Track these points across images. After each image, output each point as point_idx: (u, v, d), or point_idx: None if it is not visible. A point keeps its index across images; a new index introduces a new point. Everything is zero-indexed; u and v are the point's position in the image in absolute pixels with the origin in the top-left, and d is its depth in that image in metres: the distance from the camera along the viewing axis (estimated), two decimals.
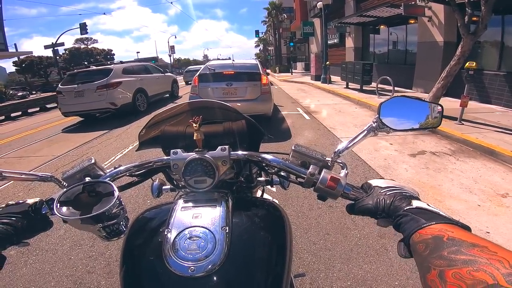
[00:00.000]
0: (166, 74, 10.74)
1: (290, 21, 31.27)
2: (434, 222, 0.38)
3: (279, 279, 0.52)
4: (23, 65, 36.36)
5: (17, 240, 0.49)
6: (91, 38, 51.16)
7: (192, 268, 0.46)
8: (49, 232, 2.47)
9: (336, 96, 9.46)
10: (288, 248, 0.58)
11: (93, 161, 0.60)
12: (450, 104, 6.14)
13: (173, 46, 50.69)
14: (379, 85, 8.34)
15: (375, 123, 0.58)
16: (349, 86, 10.51)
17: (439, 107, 0.59)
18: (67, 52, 42.87)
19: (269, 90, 5.26)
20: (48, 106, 11.79)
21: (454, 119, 5.07)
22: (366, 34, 13.46)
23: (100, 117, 7.77)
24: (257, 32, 38.97)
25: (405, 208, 0.43)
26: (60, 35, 19.13)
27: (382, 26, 11.49)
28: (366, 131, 0.59)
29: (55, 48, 19.26)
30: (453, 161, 3.59)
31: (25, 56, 34.18)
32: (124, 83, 7.32)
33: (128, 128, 6.19)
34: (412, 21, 9.23)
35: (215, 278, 0.47)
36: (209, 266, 0.47)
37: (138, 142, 0.86)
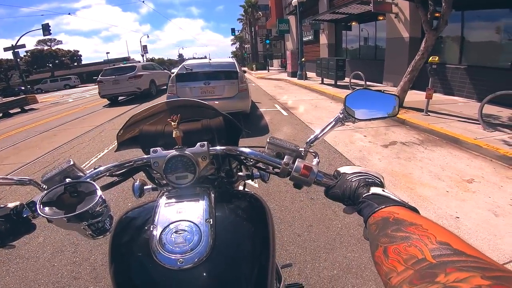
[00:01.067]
0: (164, 70, 14.53)
1: (266, 18, 31.40)
2: (384, 206, 0.42)
3: (265, 266, 0.55)
4: None
5: (2, 243, 0.50)
6: (55, 39, 49.12)
7: (180, 260, 0.48)
8: (27, 239, 2.20)
9: (312, 92, 9.69)
10: (271, 237, 0.59)
11: (71, 162, 0.60)
12: (416, 96, 6.51)
13: (146, 45, 48.93)
14: (352, 80, 8.66)
15: (342, 114, 0.63)
16: (324, 82, 10.81)
17: (396, 98, 0.65)
18: (28, 54, 40.07)
19: (247, 88, 5.38)
20: (11, 111, 11.05)
21: (421, 110, 5.38)
22: (338, 30, 13.85)
23: (120, 101, 10.86)
24: (233, 30, 38.67)
25: (364, 195, 0.47)
26: (21, 37, 17.93)
27: (353, 23, 11.90)
28: (334, 122, 0.64)
29: (15, 50, 17.91)
30: (421, 150, 3.82)
31: None
32: (144, 75, 10.97)
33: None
34: (381, 18, 9.61)
35: (202, 269, 0.48)
36: (197, 258, 0.48)
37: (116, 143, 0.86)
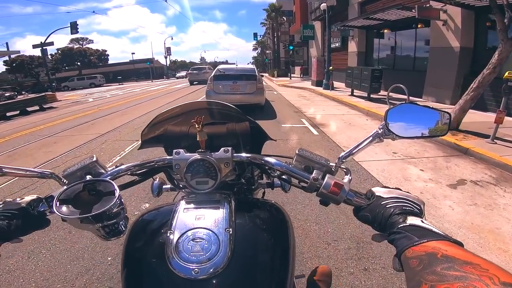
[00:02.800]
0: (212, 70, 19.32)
1: (289, 24, 30.93)
2: (426, 240, 0.39)
3: (283, 282, 0.52)
4: (13, 64, 35.34)
5: (10, 237, 0.48)
6: (87, 38, 50.96)
7: (196, 270, 0.46)
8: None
9: (341, 105, 8.73)
10: (291, 250, 0.57)
11: (94, 158, 0.60)
12: (474, 117, 5.48)
13: (169, 47, 49.74)
14: (386, 93, 7.68)
15: (381, 130, 0.57)
16: (354, 94, 9.83)
17: (447, 115, 0.58)
18: (59, 52, 41.79)
19: (263, 87, 7.44)
20: (29, 109, 10.91)
21: (484, 136, 4.39)
22: (370, 38, 12.88)
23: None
24: (255, 35, 38.40)
25: (399, 226, 0.44)
26: (50, 34, 18.18)
27: (386, 30, 10.91)
28: (371, 137, 0.58)
29: (44, 47, 18.29)
30: (501, 194, 2.88)
31: (16, 55, 33.32)
32: (207, 72, 19.30)
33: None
34: (421, 26, 8.63)
35: (218, 280, 0.46)
36: (213, 269, 0.46)
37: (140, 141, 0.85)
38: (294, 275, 0.62)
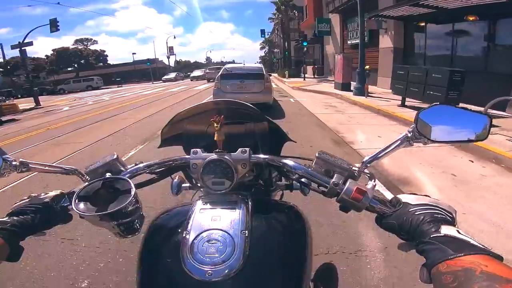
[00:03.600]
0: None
1: (298, 22, 28.69)
2: (463, 254, 0.35)
3: (298, 286, 0.52)
4: (8, 67, 33.71)
5: (34, 230, 0.50)
6: (91, 39, 50.55)
7: (209, 272, 0.46)
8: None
9: (400, 125, 5.77)
10: (308, 255, 0.57)
11: (115, 156, 0.62)
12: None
13: (172, 47, 48.00)
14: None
15: (411, 133, 0.53)
16: (406, 104, 7.10)
17: (488, 119, 0.53)
18: (54, 52, 39.93)
19: (270, 86, 7.70)
20: (3, 119, 8.85)
21: None
22: (410, 31, 10.28)
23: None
24: (262, 32, 35.60)
25: (431, 236, 0.40)
26: (28, 33, 15.79)
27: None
28: (399, 141, 0.55)
29: (23, 48, 16.01)
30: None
31: (10, 57, 31.97)
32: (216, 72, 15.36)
33: None
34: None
35: (232, 283, 0.46)
36: (227, 271, 0.46)
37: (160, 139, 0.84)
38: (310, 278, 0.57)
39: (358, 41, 12.66)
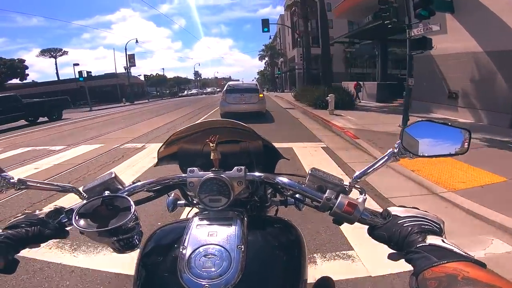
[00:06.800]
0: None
1: (317, 17, 14.64)
2: (446, 261, 0.38)
3: None
4: None
5: (29, 243, 0.51)
6: (60, 49, 43.49)
7: (206, 286, 0.46)
8: None
9: None
10: (303, 269, 0.58)
11: (113, 175, 0.63)
12: None
13: (133, 54, 37.18)
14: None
15: (397, 149, 0.58)
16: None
17: (467, 133, 0.57)
18: None
19: (263, 98, 10.20)
20: None
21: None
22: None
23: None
24: (265, 24, 18.55)
25: (417, 245, 0.43)
26: None
27: None
28: (386, 157, 0.59)
29: None
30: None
31: None
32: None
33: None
34: None
35: None
36: (224, 285, 0.47)
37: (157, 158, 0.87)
38: None
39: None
